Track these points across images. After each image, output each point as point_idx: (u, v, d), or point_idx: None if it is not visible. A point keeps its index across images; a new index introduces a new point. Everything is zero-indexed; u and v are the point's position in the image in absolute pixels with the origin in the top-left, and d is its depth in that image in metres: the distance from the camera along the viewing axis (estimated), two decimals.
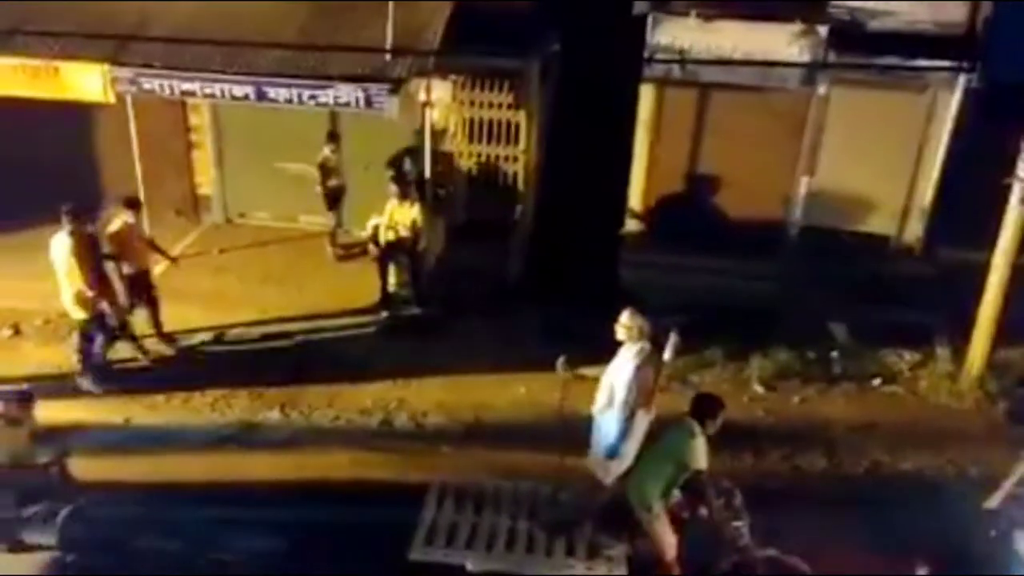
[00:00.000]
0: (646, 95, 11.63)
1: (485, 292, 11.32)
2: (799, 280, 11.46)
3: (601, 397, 7.17)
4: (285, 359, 10.22)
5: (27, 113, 11.18)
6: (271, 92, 10.31)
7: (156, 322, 10.25)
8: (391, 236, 11.02)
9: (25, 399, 7.15)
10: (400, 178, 11.09)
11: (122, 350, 9.98)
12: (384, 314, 11.03)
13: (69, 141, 12.72)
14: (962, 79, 11.02)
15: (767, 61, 10.75)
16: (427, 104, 11.22)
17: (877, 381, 10.14)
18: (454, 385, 9.83)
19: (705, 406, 6.52)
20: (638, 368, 6.90)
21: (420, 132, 11.40)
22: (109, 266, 9.73)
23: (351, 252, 12.38)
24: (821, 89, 11.37)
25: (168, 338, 10.31)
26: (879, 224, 12.21)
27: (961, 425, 9.48)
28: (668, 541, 6.61)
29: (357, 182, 12.16)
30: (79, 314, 9.30)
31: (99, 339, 9.46)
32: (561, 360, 7.19)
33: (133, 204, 9.89)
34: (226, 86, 10.36)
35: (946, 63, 10.85)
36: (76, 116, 12.20)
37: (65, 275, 9.15)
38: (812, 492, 8.36)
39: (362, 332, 10.79)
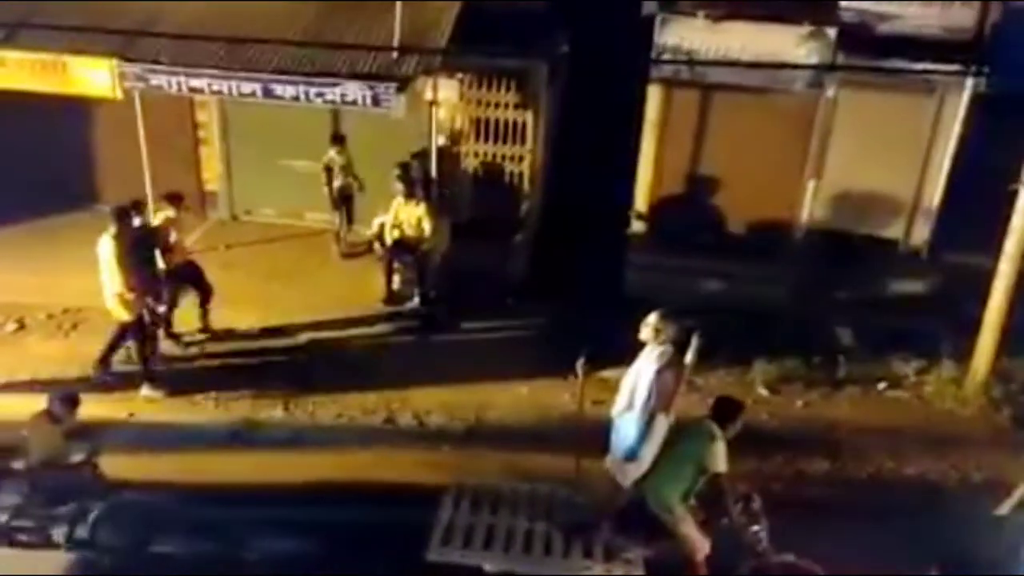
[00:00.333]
0: (653, 96, 11.58)
1: (490, 291, 11.32)
2: (805, 283, 11.42)
3: (621, 399, 7.02)
4: (289, 357, 10.22)
5: (34, 107, 11.20)
6: (278, 89, 10.32)
7: (205, 311, 10.33)
8: (396, 235, 11.06)
9: (71, 400, 7.17)
10: (406, 177, 11.10)
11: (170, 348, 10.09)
12: (388, 312, 11.02)
13: (76, 136, 12.76)
14: (970, 83, 10.98)
15: (775, 63, 10.71)
16: (434, 103, 11.24)
17: (882, 385, 10.13)
18: (457, 384, 9.82)
19: (725, 409, 6.52)
20: (660, 371, 6.76)
21: (429, 132, 11.40)
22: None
23: (357, 250, 12.40)
24: (829, 91, 11.31)
25: (175, 337, 10.32)
26: (886, 228, 12.17)
27: (965, 430, 9.48)
28: (697, 540, 6.55)
29: (370, 182, 12.14)
30: (123, 315, 9.25)
31: (136, 342, 9.41)
32: (580, 361, 7.12)
33: (175, 199, 9.92)
34: (234, 83, 10.37)
35: (954, 67, 10.82)
36: (82, 111, 12.23)
37: (108, 277, 9.09)
38: (815, 496, 8.34)
39: (367, 330, 10.79)
